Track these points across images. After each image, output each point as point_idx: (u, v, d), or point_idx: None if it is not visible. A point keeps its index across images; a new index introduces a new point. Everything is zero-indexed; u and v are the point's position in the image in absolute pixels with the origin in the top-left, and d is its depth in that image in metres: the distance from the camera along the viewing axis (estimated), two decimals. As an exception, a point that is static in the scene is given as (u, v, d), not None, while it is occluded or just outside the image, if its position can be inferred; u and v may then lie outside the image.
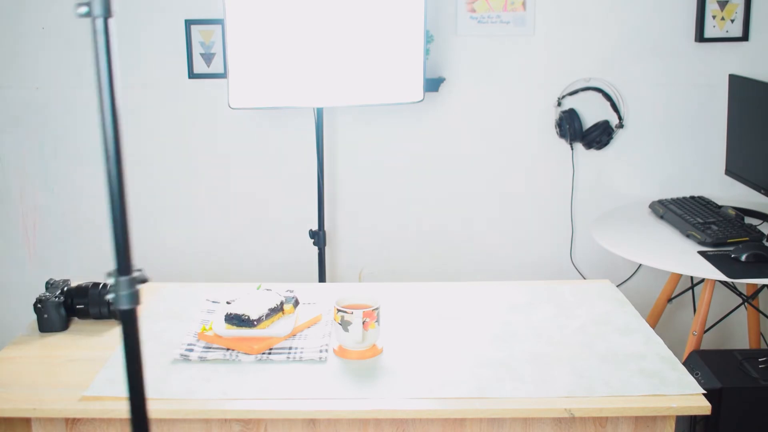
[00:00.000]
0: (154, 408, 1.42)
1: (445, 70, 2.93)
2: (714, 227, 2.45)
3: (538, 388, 1.46)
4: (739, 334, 3.05)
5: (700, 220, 2.51)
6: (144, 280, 0.92)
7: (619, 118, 2.93)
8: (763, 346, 2.88)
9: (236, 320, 1.61)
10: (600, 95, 2.92)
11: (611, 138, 2.94)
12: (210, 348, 1.61)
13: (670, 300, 2.82)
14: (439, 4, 2.87)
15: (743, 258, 2.27)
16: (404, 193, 3.05)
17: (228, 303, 1.70)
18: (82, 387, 1.47)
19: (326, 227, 2.94)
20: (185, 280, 2.62)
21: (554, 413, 1.42)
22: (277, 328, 1.64)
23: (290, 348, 1.61)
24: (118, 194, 0.90)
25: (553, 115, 2.95)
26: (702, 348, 2.48)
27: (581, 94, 2.93)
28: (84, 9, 0.88)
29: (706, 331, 2.52)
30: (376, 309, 1.57)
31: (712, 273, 2.22)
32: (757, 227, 2.49)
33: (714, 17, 2.84)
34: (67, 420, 1.49)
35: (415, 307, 1.83)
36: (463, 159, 3.01)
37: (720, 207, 2.64)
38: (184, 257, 3.10)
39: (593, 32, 2.91)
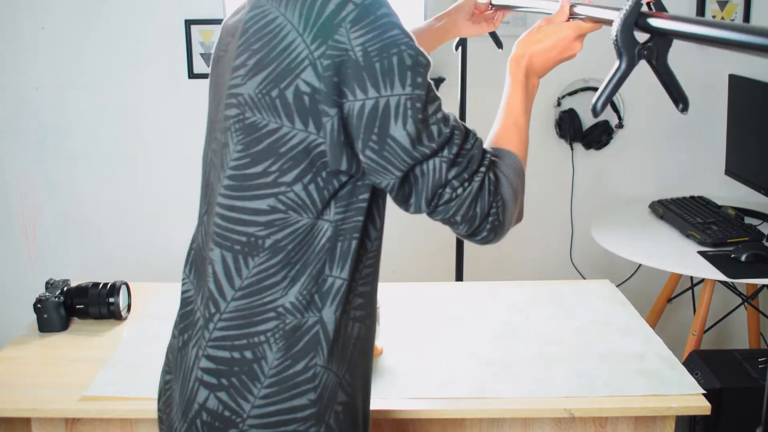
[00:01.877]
0: (154, 408, 1.42)
1: (445, 70, 2.93)
2: (714, 227, 2.45)
3: (538, 388, 1.46)
4: (739, 334, 3.05)
5: (700, 220, 2.51)
6: None
7: (619, 118, 2.93)
8: (763, 346, 2.88)
9: (236, 320, 1.61)
10: (600, 95, 2.92)
11: (611, 138, 2.94)
12: (210, 348, 1.61)
13: (670, 300, 2.82)
14: (439, 4, 2.87)
15: (743, 258, 2.27)
16: (404, 193, 3.05)
17: (228, 303, 1.70)
18: (82, 387, 1.47)
19: (326, 227, 2.94)
20: (185, 280, 2.62)
21: (554, 413, 1.42)
22: (277, 328, 1.64)
23: (290, 348, 1.61)
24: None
25: (553, 115, 2.95)
26: (702, 348, 2.48)
27: (581, 94, 2.93)
28: None
29: (706, 331, 2.52)
30: (376, 309, 1.57)
31: (712, 273, 2.22)
32: (757, 227, 2.49)
33: (714, 17, 2.84)
34: (67, 420, 1.49)
35: (415, 307, 1.83)
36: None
37: (720, 207, 2.65)
38: (185, 257, 3.10)
39: (593, 32, 2.91)
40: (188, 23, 2.88)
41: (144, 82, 2.95)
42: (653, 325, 2.75)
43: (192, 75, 2.91)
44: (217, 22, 2.83)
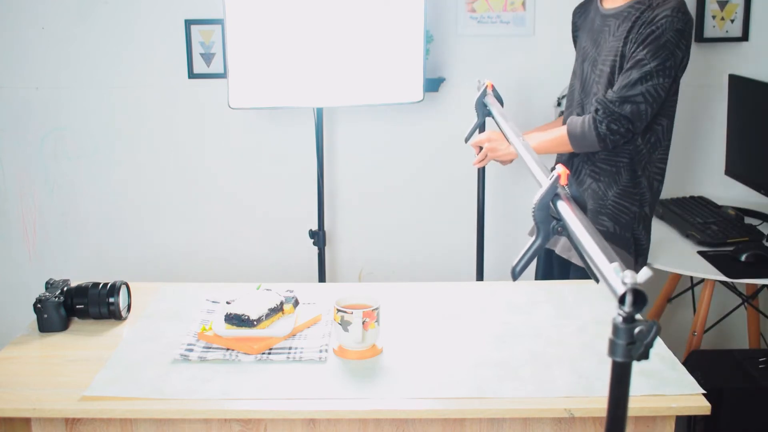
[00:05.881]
0: (154, 408, 1.42)
1: (445, 70, 2.93)
2: (714, 227, 2.45)
3: (538, 388, 1.46)
4: (739, 334, 3.05)
5: (700, 220, 2.51)
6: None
7: (619, 118, 2.92)
8: (763, 346, 2.88)
9: (236, 320, 1.61)
10: (600, 95, 2.92)
11: (611, 138, 2.93)
12: (210, 348, 1.61)
13: (670, 300, 2.82)
14: (439, 4, 2.87)
15: (743, 258, 2.27)
16: (404, 193, 3.05)
17: (228, 303, 1.70)
18: (82, 387, 1.47)
19: (326, 227, 2.94)
20: (185, 280, 2.62)
21: (554, 413, 1.42)
22: (277, 328, 1.64)
23: (290, 348, 1.61)
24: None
25: (553, 115, 2.95)
26: (702, 348, 2.48)
27: (581, 94, 2.92)
28: None
29: (706, 331, 2.52)
30: (376, 309, 1.57)
31: (712, 273, 2.22)
32: (757, 227, 2.49)
33: (714, 17, 2.84)
34: (67, 420, 1.49)
35: (415, 307, 1.83)
36: (462, 159, 3.01)
37: (720, 207, 2.65)
38: (184, 257, 3.10)
39: (593, 32, 2.91)
40: (188, 23, 2.88)
41: (144, 82, 2.95)
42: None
43: (192, 75, 2.91)
44: (217, 22, 2.83)
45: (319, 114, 2.76)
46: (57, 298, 1.71)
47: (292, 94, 2.55)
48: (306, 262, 3.02)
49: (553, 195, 1.15)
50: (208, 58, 2.90)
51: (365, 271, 3.13)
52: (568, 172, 1.18)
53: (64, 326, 1.72)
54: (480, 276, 2.62)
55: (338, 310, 1.56)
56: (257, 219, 3.08)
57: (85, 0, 2.89)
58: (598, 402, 1.42)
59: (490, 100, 2.13)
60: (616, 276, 0.83)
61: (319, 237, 2.82)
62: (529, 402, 1.43)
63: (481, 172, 2.50)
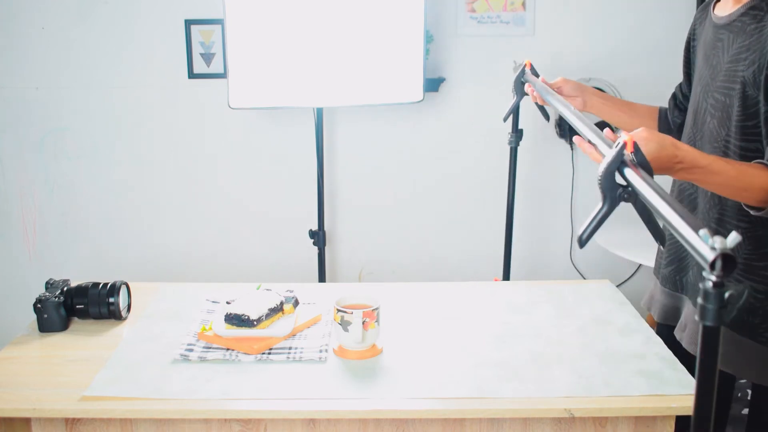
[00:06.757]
0: (154, 408, 1.42)
1: (445, 70, 2.93)
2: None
3: (538, 388, 1.46)
4: (739, 334, 3.05)
5: (701, 220, 2.50)
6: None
7: (619, 118, 2.92)
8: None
9: (236, 320, 1.61)
10: (600, 95, 2.92)
11: (611, 138, 2.94)
12: (210, 348, 1.61)
13: (670, 300, 2.82)
14: (439, 4, 2.87)
15: (743, 258, 2.26)
16: (404, 193, 3.05)
17: (228, 303, 1.70)
18: (82, 387, 1.47)
19: (326, 227, 2.94)
20: (185, 280, 2.62)
21: (554, 413, 1.42)
22: (277, 328, 1.64)
23: (290, 348, 1.61)
24: None
25: (554, 114, 2.95)
26: (702, 348, 2.48)
27: (581, 94, 2.92)
28: None
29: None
30: (376, 309, 1.57)
31: (712, 273, 2.21)
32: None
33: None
34: (66, 420, 1.49)
35: (415, 307, 1.83)
36: (463, 159, 3.01)
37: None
38: (184, 257, 3.10)
39: (593, 32, 2.91)
40: (188, 23, 2.88)
41: (144, 82, 2.95)
42: (653, 325, 2.74)
43: (192, 75, 2.91)
44: (217, 22, 2.83)
45: (319, 114, 2.76)
46: (57, 298, 1.71)
47: (292, 94, 2.55)
48: (306, 262, 3.02)
49: (619, 163, 1.14)
50: (208, 58, 2.90)
51: (365, 271, 3.13)
52: (634, 139, 1.15)
53: (64, 326, 1.72)
54: (507, 276, 2.63)
55: (338, 310, 1.56)
56: (257, 219, 3.08)
57: (85, 0, 2.89)
58: (598, 402, 1.42)
59: (531, 78, 2.05)
60: (704, 243, 0.83)
61: (319, 237, 2.82)
62: (529, 402, 1.43)
63: (512, 170, 2.50)
